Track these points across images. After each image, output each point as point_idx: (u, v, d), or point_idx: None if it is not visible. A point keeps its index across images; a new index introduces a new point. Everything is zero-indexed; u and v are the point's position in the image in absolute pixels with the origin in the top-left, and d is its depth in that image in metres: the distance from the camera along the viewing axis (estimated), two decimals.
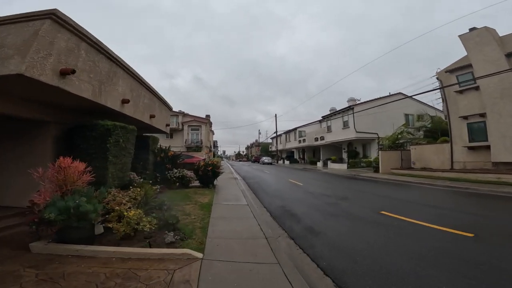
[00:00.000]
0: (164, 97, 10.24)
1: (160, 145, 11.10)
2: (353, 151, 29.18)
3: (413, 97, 29.23)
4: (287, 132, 49.13)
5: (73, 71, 4.60)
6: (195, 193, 9.00)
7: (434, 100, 37.44)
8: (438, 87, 17.81)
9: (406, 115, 27.72)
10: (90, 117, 6.55)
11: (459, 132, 15.45)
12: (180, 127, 39.59)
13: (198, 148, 37.93)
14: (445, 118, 23.47)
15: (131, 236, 4.37)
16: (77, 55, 4.99)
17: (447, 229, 5.23)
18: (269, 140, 73.94)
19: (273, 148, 61.81)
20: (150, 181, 7.38)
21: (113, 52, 6.15)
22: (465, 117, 14.90)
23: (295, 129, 45.17)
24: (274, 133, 51.21)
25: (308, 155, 44.30)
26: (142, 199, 5.19)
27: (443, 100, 18.96)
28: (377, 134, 26.66)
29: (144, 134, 10.46)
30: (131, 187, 5.77)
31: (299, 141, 42.57)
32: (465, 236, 4.84)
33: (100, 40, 5.52)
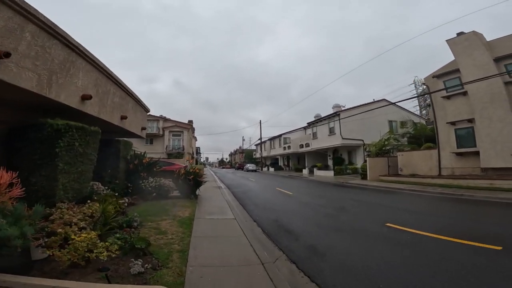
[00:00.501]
0: (141, 99, 9.07)
1: (135, 151, 9.82)
2: (339, 158, 28.94)
3: (397, 104, 29.74)
4: (272, 139, 48.56)
5: (7, 54, 3.47)
6: (174, 205, 7.81)
7: (412, 107, 38.54)
8: (421, 93, 17.88)
9: (390, 122, 27.98)
10: (43, 116, 5.30)
11: (447, 138, 15.37)
12: (161, 132, 37.78)
13: (179, 155, 36.24)
14: (427, 125, 23.85)
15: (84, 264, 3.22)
16: (19, 37, 3.87)
17: (469, 242, 4.52)
18: (253, 147, 73.23)
19: (257, 155, 60.98)
20: (117, 193, 6.15)
21: (72, 39, 5.00)
22: (453, 123, 14.85)
23: (280, 135, 44.68)
24: (259, 139, 50.55)
25: (293, 162, 43.85)
26: (100, 216, 4.01)
27: (428, 105, 19.05)
28: (362, 140, 26.61)
29: (115, 139, 9.19)
30: (89, 201, 4.57)
31: (284, 148, 42.05)
32: (494, 250, 4.15)
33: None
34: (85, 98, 5.53)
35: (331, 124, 27.51)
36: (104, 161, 6.57)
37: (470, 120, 13.86)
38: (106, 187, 6.52)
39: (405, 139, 23.35)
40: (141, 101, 9.12)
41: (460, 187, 12.30)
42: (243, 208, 8.54)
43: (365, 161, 23.02)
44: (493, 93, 12.62)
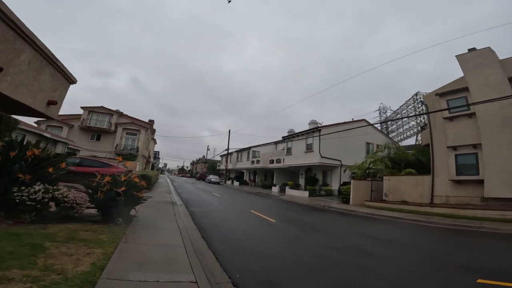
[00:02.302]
0: (58, 59, 5.03)
1: (14, 138, 5.63)
2: (312, 178, 26.60)
3: (375, 126, 28.85)
4: (240, 151, 45.20)
5: None
6: (70, 238, 3.97)
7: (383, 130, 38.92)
8: (417, 113, 16.43)
9: (368, 144, 26.76)
10: None
11: (444, 164, 13.67)
12: (113, 128, 32.01)
13: (132, 157, 30.75)
14: (412, 150, 22.81)
15: None
16: None
17: None
18: (218, 158, 68.91)
19: (222, 167, 56.79)
20: None
21: None
22: (454, 148, 13.20)
23: (249, 148, 41.57)
24: (225, 150, 46.71)
25: (260, 177, 40.79)
26: None
27: (421, 128, 17.68)
28: (340, 161, 24.78)
29: None
30: None
31: (252, 162, 38.90)
32: None
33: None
34: None
35: (309, 140, 25.26)
36: None
37: (475, 146, 12.28)
38: None
39: (383, 163, 21.81)
40: (54, 58, 5.07)
41: (465, 218, 10.50)
42: (209, 248, 4.96)
43: (343, 183, 20.93)
44: (505, 116, 11.15)
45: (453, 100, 13.32)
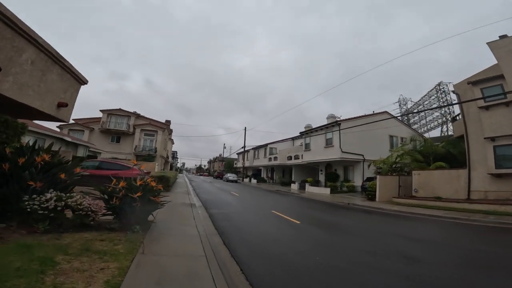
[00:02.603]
0: (66, 60, 4.76)
1: (22, 143, 5.44)
2: (333, 174, 25.66)
3: (398, 118, 27.35)
4: (257, 148, 44.82)
5: None
6: (85, 249, 3.68)
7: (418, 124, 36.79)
8: (441, 104, 15.15)
9: (391, 137, 25.39)
10: None
11: (482, 156, 12.44)
12: (131, 130, 32.66)
13: (150, 157, 31.26)
14: (441, 142, 21.34)
15: None
16: None
17: None
18: (235, 156, 68.90)
19: (239, 164, 56.73)
20: None
21: None
22: (492, 139, 11.96)
23: (265, 145, 41.07)
24: (241, 148, 46.51)
25: (277, 174, 40.18)
26: None
27: (452, 119, 16.40)
28: (362, 156, 23.66)
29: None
30: None
31: (270, 159, 38.37)
32: None
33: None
34: None
35: (329, 135, 24.31)
36: None
37: None
38: None
39: (411, 157, 20.56)
40: (60, 57, 4.79)
41: (508, 214, 9.44)
42: (232, 257, 4.52)
43: (367, 179, 19.89)
44: None
45: (488, 88, 12.06)
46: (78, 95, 5.32)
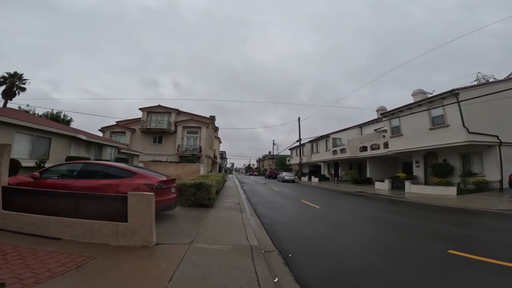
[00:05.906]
0: None
1: None
2: (443, 166, 17.50)
3: None
4: (314, 141, 37.93)
5: None
6: None
7: None
8: None
9: None
10: None
11: None
12: (173, 128, 29.19)
13: (195, 158, 27.19)
14: None
15: None
16: None
17: None
18: (283, 153, 62.78)
19: (292, 161, 50.40)
20: None
21: None
22: None
23: (327, 135, 33.96)
24: (296, 141, 40.08)
25: (344, 170, 32.62)
26: None
27: None
28: (497, 137, 15.24)
29: None
30: None
31: (334, 152, 31.20)
32: None
33: None
34: None
35: (436, 111, 16.39)
36: None
37: None
38: None
39: None
40: None
41: None
42: None
43: None
44: None
45: None
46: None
